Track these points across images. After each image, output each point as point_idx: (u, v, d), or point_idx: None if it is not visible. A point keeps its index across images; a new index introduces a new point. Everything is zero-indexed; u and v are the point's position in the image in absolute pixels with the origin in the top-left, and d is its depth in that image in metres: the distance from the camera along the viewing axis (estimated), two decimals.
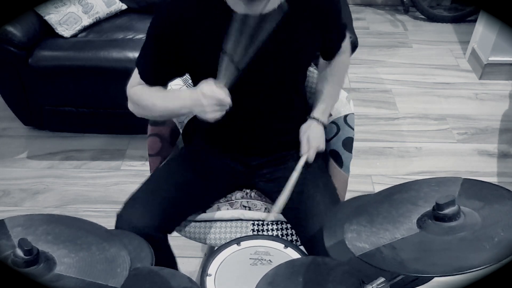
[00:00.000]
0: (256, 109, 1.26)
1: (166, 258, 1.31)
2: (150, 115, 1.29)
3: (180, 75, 1.31)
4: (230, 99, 1.06)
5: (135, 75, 1.24)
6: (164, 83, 1.26)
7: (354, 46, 2.10)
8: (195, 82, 1.30)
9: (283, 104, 1.29)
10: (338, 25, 1.30)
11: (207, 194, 1.35)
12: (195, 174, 1.32)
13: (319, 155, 1.31)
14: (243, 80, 1.20)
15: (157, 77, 1.23)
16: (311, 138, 1.28)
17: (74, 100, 2.35)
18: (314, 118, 1.32)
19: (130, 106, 1.27)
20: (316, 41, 1.23)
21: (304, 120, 1.34)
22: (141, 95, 1.23)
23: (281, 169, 1.31)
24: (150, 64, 1.22)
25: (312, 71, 1.48)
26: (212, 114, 1.07)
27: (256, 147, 1.33)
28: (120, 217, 1.20)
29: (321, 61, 1.39)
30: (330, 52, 1.35)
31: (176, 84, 1.45)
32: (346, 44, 1.37)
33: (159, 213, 1.21)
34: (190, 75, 1.30)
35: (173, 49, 1.17)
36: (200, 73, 1.23)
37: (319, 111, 1.33)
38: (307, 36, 1.20)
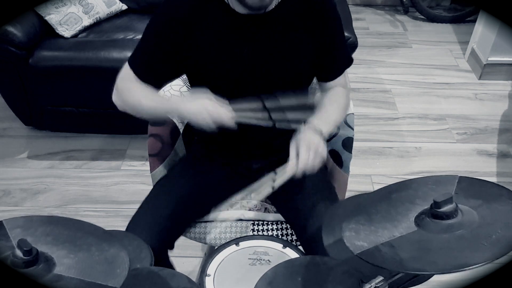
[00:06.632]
0: None
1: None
2: (134, 112, 1.23)
3: (176, 75, 1.29)
4: (234, 124, 1.07)
5: (127, 70, 1.22)
6: (157, 82, 1.24)
7: (354, 46, 2.11)
8: (193, 83, 1.30)
9: None
10: (338, 38, 1.25)
11: (208, 202, 1.35)
12: (196, 184, 1.31)
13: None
14: (242, 80, 1.20)
15: (152, 73, 1.21)
16: (301, 141, 1.09)
17: (74, 100, 2.36)
18: (309, 125, 1.14)
19: (115, 98, 1.24)
20: (310, 46, 1.20)
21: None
22: (130, 91, 1.20)
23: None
24: (147, 59, 1.21)
25: None
26: (208, 127, 1.07)
27: (257, 150, 1.32)
28: None
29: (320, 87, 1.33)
30: (327, 72, 1.28)
31: (176, 84, 1.45)
32: (344, 80, 1.31)
33: (161, 234, 1.20)
34: (187, 76, 1.29)
35: (173, 47, 1.17)
36: (198, 73, 1.23)
37: (317, 118, 1.17)
38: (300, 37, 1.18)
